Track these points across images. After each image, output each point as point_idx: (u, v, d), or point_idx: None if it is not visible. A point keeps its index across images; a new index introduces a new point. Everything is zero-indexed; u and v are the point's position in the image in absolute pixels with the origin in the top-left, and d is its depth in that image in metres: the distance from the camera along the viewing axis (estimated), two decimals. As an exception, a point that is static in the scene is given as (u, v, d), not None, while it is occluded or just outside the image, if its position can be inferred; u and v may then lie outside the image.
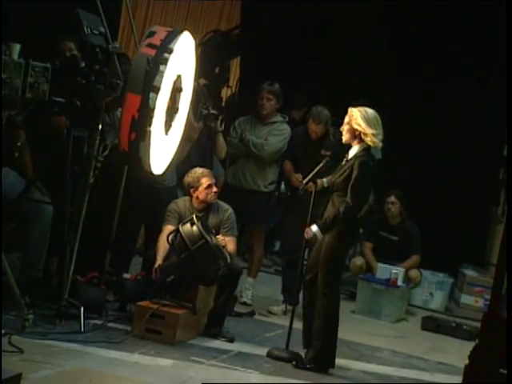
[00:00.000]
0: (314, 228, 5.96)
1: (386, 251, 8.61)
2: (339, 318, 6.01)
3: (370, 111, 5.93)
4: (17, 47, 5.22)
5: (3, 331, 5.18)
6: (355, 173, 5.86)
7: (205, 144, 7.33)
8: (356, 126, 5.89)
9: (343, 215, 5.85)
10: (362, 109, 5.94)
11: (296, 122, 8.64)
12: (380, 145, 5.98)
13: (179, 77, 5.98)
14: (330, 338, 5.96)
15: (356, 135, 5.92)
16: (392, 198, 8.70)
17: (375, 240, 8.74)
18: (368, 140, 5.89)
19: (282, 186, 8.37)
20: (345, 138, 5.99)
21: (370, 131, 5.86)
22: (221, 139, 7.47)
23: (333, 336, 5.98)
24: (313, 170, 6.42)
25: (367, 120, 5.88)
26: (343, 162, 6.03)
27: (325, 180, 6.76)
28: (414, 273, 8.68)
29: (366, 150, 5.94)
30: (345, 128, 5.97)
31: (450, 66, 9.63)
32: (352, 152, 5.96)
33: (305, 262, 6.53)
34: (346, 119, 5.97)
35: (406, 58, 9.62)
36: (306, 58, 9.96)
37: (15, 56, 5.21)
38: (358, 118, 5.89)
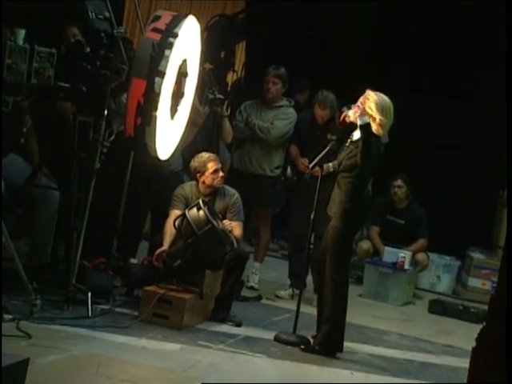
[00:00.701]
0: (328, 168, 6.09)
1: (392, 235, 8.61)
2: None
3: (386, 100, 5.84)
4: (22, 32, 5.22)
5: (11, 316, 5.20)
6: (361, 152, 5.81)
7: (211, 129, 7.32)
8: (367, 109, 5.83)
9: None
10: (380, 95, 5.85)
11: (300, 105, 8.62)
12: (385, 136, 5.92)
13: (185, 61, 5.97)
14: (339, 322, 5.96)
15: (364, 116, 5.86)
16: (398, 182, 8.69)
17: (382, 224, 8.73)
18: (374, 126, 5.83)
19: (288, 170, 8.37)
20: (353, 116, 5.92)
21: (378, 118, 5.80)
22: (227, 124, 7.46)
23: (341, 320, 5.98)
24: (319, 154, 6.41)
25: (381, 107, 5.80)
26: (347, 143, 5.99)
27: (331, 164, 6.73)
28: (420, 256, 8.68)
29: (372, 134, 5.87)
30: (356, 106, 5.91)
31: (457, 52, 9.58)
32: (357, 134, 5.91)
33: (311, 246, 6.54)
34: (361, 99, 5.88)
35: (414, 40, 9.57)
36: (312, 42, 9.92)
37: (20, 41, 5.20)
38: (372, 102, 5.81)
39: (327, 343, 5.94)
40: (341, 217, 5.90)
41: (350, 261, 6.39)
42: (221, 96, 7.40)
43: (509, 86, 5.14)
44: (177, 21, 5.74)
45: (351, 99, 6.00)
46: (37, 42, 5.30)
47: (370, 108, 5.82)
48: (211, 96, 7.30)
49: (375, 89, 5.93)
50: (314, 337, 6.05)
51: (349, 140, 5.98)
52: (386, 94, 5.93)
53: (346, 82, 6.68)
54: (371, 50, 9.62)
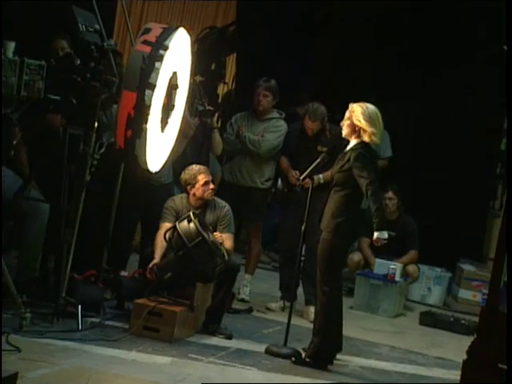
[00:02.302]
0: (382, 235, 5.98)
1: (383, 247, 8.56)
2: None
3: (370, 107, 5.87)
4: (11, 45, 5.21)
5: (0, 330, 5.18)
6: (354, 164, 5.81)
7: (201, 141, 7.32)
8: (356, 122, 5.85)
9: (372, 195, 5.79)
10: (363, 104, 5.88)
11: (300, 118, 8.61)
12: (378, 142, 5.96)
13: (175, 74, 5.97)
14: (330, 334, 5.95)
15: (356, 130, 5.89)
16: (389, 194, 8.69)
17: (373, 235, 8.71)
18: (365, 137, 5.85)
19: (279, 182, 8.36)
20: (344, 132, 5.95)
21: (369, 129, 5.82)
22: (217, 136, 7.46)
23: (332, 333, 5.97)
24: (309, 166, 6.41)
25: (367, 117, 5.82)
26: (340, 156, 6.01)
27: (321, 176, 6.75)
28: (411, 268, 8.68)
29: (364, 143, 5.89)
30: (345, 123, 5.93)
31: (447, 57, 9.59)
32: (350, 146, 5.93)
33: (302, 258, 6.53)
34: (347, 114, 5.92)
35: (406, 51, 9.58)
36: (304, 53, 9.93)
37: (10, 54, 5.19)
38: (358, 113, 5.84)
39: (318, 356, 5.92)
40: (332, 230, 5.89)
41: (341, 273, 6.39)
42: (210, 107, 7.40)
43: (509, 87, 5.13)
44: (167, 33, 5.75)
45: (343, 111, 6.03)
46: (27, 54, 5.29)
47: (358, 121, 5.84)
48: (201, 107, 7.31)
49: (361, 99, 5.97)
50: (305, 349, 6.03)
51: (342, 153, 5.98)
52: (379, 104, 5.97)
53: (344, 93, 6.68)
54: (371, 59, 9.63)
